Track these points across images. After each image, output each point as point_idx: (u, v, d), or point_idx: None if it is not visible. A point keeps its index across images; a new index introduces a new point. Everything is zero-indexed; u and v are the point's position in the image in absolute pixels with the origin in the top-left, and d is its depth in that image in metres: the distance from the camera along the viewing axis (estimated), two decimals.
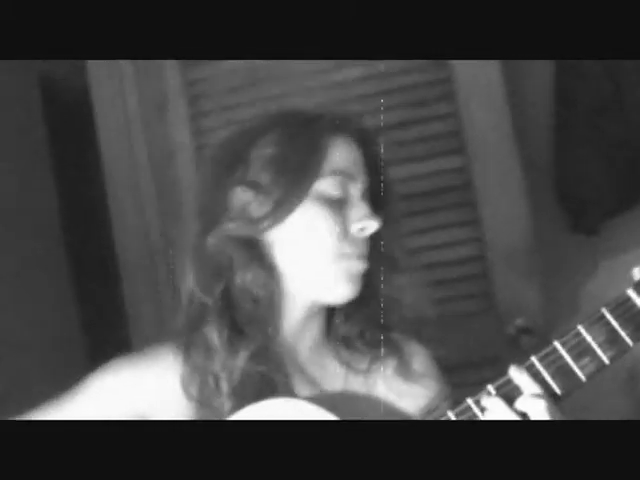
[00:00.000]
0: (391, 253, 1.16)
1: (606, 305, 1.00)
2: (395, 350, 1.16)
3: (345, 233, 1.09)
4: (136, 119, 2.13)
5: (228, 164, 1.10)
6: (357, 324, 1.16)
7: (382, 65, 1.99)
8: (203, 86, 2.11)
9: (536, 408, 0.97)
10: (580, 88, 2.10)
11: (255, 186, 1.08)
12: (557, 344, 1.00)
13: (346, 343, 1.16)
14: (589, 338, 0.99)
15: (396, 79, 2.04)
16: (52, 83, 2.31)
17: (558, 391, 0.99)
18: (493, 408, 0.99)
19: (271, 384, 1.05)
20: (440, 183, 2.03)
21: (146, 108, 2.13)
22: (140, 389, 1.09)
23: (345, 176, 1.10)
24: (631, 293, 1.00)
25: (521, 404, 0.99)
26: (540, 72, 2.15)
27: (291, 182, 1.07)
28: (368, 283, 1.13)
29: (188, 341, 1.08)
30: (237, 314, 1.07)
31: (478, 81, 1.99)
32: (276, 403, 1.02)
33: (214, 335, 1.06)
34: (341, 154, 1.10)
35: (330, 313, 1.17)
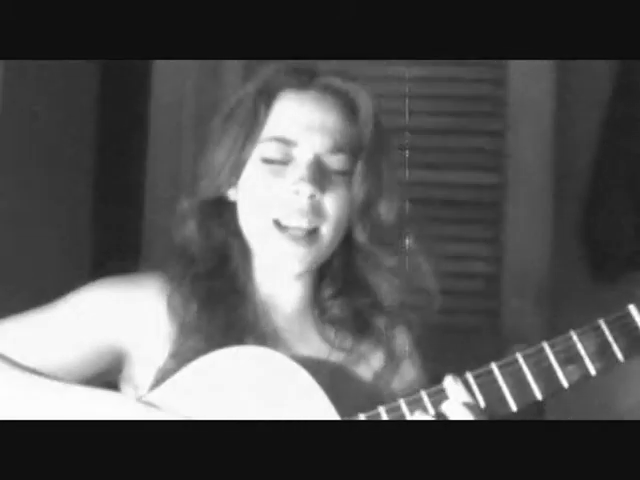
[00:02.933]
0: (377, 225, 1.09)
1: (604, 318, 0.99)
2: (382, 340, 1.12)
3: (279, 197, 1.04)
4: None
5: (213, 128, 1.12)
6: (342, 306, 1.12)
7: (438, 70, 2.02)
8: None
9: (458, 415, 0.95)
10: (625, 139, 2.10)
11: (214, 147, 1.10)
12: (546, 346, 0.99)
13: (329, 320, 1.12)
14: (580, 346, 0.98)
15: (453, 86, 2.07)
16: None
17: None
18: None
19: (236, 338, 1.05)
20: (472, 196, 2.05)
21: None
22: (118, 312, 1.07)
23: (282, 141, 1.05)
24: (632, 309, 0.98)
25: (446, 408, 0.96)
26: (592, 115, 2.15)
27: (230, 145, 1.07)
28: (356, 264, 1.11)
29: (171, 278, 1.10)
30: (198, 264, 1.09)
31: (531, 106, 2.02)
32: (247, 350, 1.01)
33: (177, 279, 1.08)
34: (284, 117, 1.07)
35: (317, 284, 1.13)
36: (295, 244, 1.04)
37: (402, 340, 1.15)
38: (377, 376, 1.11)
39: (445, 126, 2.05)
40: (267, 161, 1.06)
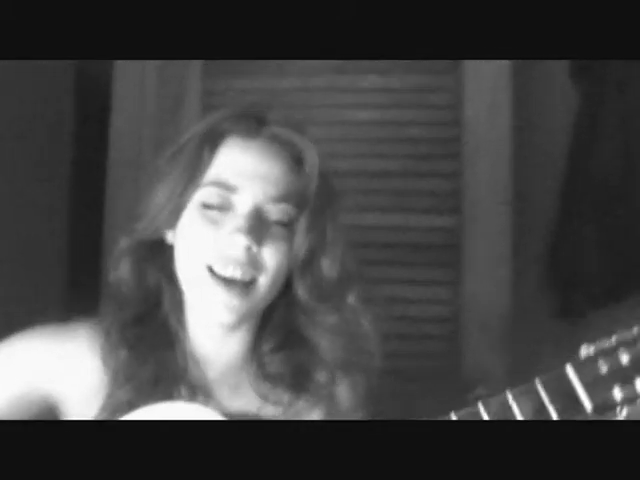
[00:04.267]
0: (317, 277, 1.07)
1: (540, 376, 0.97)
2: (322, 394, 1.10)
3: (215, 246, 1.02)
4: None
5: (159, 166, 1.11)
6: (282, 362, 1.10)
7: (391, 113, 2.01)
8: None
9: None
10: (593, 167, 2.07)
11: (157, 186, 1.08)
12: (480, 407, 0.96)
13: (269, 376, 1.10)
14: (515, 407, 0.96)
15: (406, 130, 2.05)
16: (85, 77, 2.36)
17: None
18: None
19: (164, 393, 1.03)
20: (429, 239, 2.02)
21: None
22: (47, 364, 1.06)
23: (223, 187, 1.03)
24: (569, 369, 0.96)
25: None
26: (552, 140, 2.13)
27: (173, 187, 1.06)
28: (296, 317, 1.09)
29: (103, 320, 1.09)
30: (129, 310, 1.08)
31: (486, 146, 2.00)
32: (178, 406, 1.00)
33: (112, 329, 1.07)
34: (227, 163, 1.05)
35: (257, 338, 1.12)
36: (228, 294, 1.01)
37: (345, 395, 1.13)
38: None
39: (399, 168, 2.03)
40: (206, 206, 1.04)
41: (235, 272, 1.02)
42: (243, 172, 1.04)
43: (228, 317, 1.03)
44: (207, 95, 2.13)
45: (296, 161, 1.08)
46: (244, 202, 1.03)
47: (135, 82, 2.18)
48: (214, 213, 1.03)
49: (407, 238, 2.02)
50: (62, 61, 2.08)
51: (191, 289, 1.06)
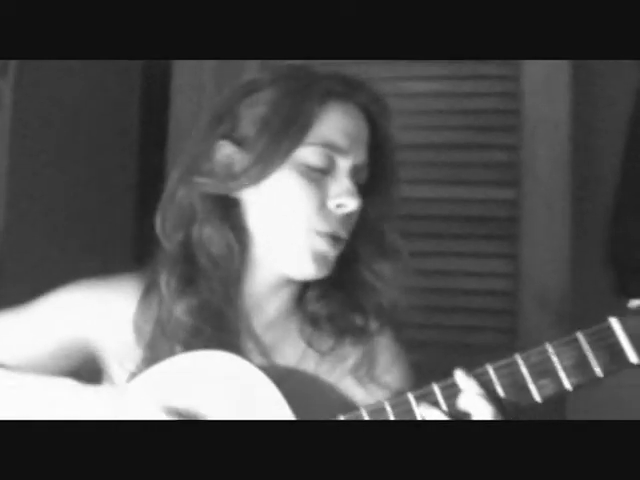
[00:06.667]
0: (379, 238, 1.10)
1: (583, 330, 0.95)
2: (364, 340, 1.11)
3: (320, 208, 1.03)
4: None
5: (218, 116, 1.07)
6: (328, 305, 1.11)
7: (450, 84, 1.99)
8: None
9: (477, 407, 0.92)
10: None
11: (238, 142, 1.04)
12: (518, 358, 0.95)
13: (312, 320, 1.11)
14: (555, 359, 0.94)
15: (465, 101, 2.03)
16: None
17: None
18: (429, 412, 0.95)
19: (215, 341, 1.03)
20: (488, 211, 2.00)
21: None
22: (92, 312, 1.08)
23: (332, 148, 1.03)
24: (614, 322, 0.94)
25: (463, 403, 0.94)
26: (612, 116, 2.08)
27: (269, 145, 1.01)
28: (349, 265, 1.09)
29: (149, 280, 1.09)
30: (190, 267, 1.05)
31: (546, 117, 1.97)
32: (215, 355, 1.00)
33: (163, 282, 1.05)
34: (334, 123, 1.03)
35: (304, 286, 1.12)
36: (331, 249, 1.04)
37: (387, 349, 1.14)
38: (353, 385, 1.10)
39: (459, 140, 2.01)
40: (308, 167, 1.03)
41: (338, 230, 1.04)
42: (349, 134, 1.04)
43: (324, 271, 1.05)
44: None
45: (375, 129, 1.09)
46: (348, 164, 1.05)
47: (193, 82, 2.19)
48: (316, 174, 1.03)
49: (466, 210, 2.00)
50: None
51: (279, 244, 1.05)
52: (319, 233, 1.03)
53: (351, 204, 1.03)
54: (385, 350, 1.13)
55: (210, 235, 1.05)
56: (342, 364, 1.11)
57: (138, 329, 1.06)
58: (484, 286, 1.99)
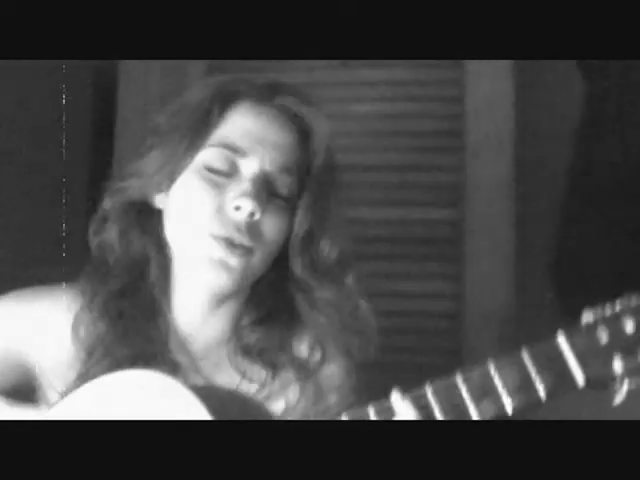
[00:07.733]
0: (316, 259, 1.04)
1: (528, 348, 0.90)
2: (303, 376, 1.06)
3: (218, 211, 0.99)
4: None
5: (155, 128, 1.07)
6: (264, 337, 1.07)
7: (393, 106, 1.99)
8: None
9: None
10: (594, 163, 2.04)
11: (154, 145, 1.04)
12: (459, 379, 0.91)
13: (246, 350, 1.07)
14: (497, 379, 0.90)
15: (409, 122, 2.03)
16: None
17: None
18: None
19: (147, 359, 1.00)
20: (431, 232, 2.00)
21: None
22: (26, 326, 1.04)
23: (231, 149, 1.00)
24: (561, 338, 0.86)
25: None
26: (554, 134, 2.09)
27: (172, 148, 1.01)
28: (286, 291, 1.06)
29: (84, 288, 1.05)
30: (113, 280, 1.03)
31: (488, 138, 1.98)
32: (144, 375, 0.94)
33: (88, 295, 1.03)
34: (237, 125, 1.01)
35: (240, 314, 1.08)
36: (228, 253, 0.98)
37: (334, 375, 1.09)
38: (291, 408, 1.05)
39: (401, 162, 2.01)
40: (209, 169, 1.00)
41: (235, 235, 0.98)
42: (254, 136, 1.01)
43: (225, 279, 0.99)
44: None
45: (304, 135, 1.05)
46: (252, 167, 1.00)
47: (139, 80, 2.16)
48: (217, 177, 1.00)
49: (409, 232, 1.99)
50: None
51: (186, 253, 1.02)
52: (215, 238, 0.98)
53: (248, 206, 0.97)
54: (334, 382, 1.08)
55: (129, 244, 1.05)
56: (281, 397, 1.06)
57: (74, 344, 1.02)
58: (428, 307, 1.98)
